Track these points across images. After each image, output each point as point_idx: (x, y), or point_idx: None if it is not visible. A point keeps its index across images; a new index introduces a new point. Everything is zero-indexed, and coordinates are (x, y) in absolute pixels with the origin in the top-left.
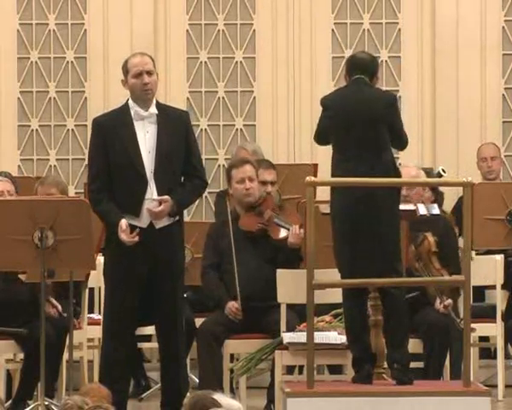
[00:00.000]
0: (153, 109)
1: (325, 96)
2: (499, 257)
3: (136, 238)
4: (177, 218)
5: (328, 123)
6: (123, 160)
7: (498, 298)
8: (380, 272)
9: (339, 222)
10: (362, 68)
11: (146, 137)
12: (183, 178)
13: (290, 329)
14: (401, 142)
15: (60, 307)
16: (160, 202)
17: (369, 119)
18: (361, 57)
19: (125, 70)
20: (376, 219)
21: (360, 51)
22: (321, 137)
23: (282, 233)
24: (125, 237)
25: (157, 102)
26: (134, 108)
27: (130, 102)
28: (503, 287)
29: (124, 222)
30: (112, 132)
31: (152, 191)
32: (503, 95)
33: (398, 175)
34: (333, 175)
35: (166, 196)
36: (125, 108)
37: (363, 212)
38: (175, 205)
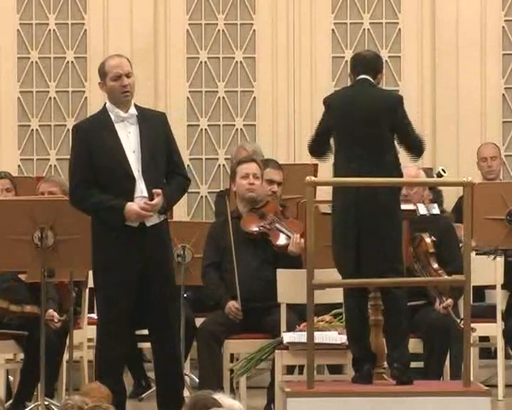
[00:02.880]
0: (132, 110)
1: (328, 95)
2: (499, 257)
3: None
4: (165, 217)
5: (331, 123)
6: (109, 162)
7: (498, 298)
8: (380, 273)
9: (340, 222)
10: (366, 66)
11: (129, 137)
12: (166, 177)
13: (290, 329)
14: (415, 149)
15: (56, 315)
16: (152, 198)
17: (371, 119)
18: (365, 55)
19: (103, 73)
20: (378, 220)
21: (365, 50)
22: (318, 142)
23: (283, 240)
24: (142, 211)
25: (135, 104)
26: (114, 111)
27: (109, 105)
28: (503, 287)
29: (134, 202)
30: (94, 136)
31: (141, 189)
32: (503, 95)
33: (401, 176)
34: (335, 175)
35: (159, 190)
36: (104, 112)
37: (365, 212)
38: (164, 201)
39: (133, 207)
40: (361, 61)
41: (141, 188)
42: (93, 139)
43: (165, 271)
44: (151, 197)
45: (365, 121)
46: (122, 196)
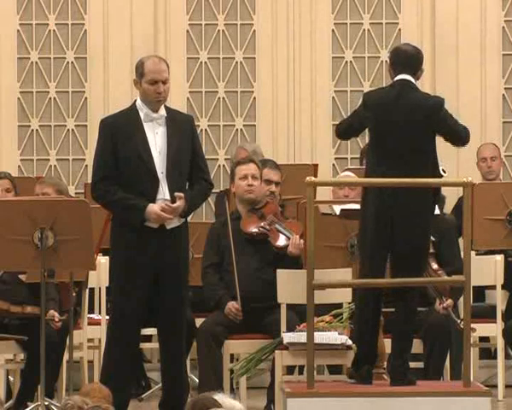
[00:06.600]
0: (162, 111)
1: (369, 91)
2: (499, 257)
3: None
4: (185, 220)
5: (366, 123)
6: (134, 160)
7: (498, 298)
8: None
9: (373, 224)
10: (405, 63)
11: (156, 138)
12: (189, 181)
13: (290, 329)
14: (460, 137)
15: (57, 315)
16: (173, 201)
17: (410, 125)
18: (404, 50)
19: (140, 73)
20: (409, 227)
21: (405, 43)
22: (348, 132)
23: (282, 241)
24: (163, 213)
25: (165, 105)
26: (144, 110)
27: (139, 102)
28: (503, 287)
29: (156, 204)
30: (121, 133)
31: (164, 191)
32: (503, 95)
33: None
34: (366, 175)
35: (181, 194)
36: (133, 109)
37: (399, 216)
38: (186, 205)
39: (154, 208)
40: (400, 56)
41: (163, 190)
42: (119, 135)
43: (179, 274)
44: (173, 200)
45: (403, 127)
46: (144, 196)
